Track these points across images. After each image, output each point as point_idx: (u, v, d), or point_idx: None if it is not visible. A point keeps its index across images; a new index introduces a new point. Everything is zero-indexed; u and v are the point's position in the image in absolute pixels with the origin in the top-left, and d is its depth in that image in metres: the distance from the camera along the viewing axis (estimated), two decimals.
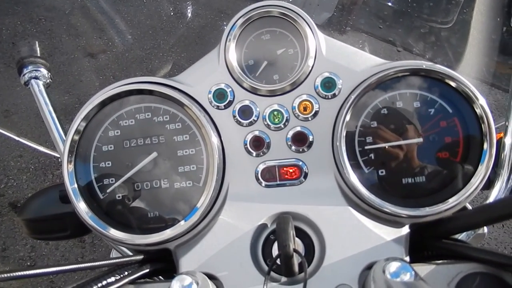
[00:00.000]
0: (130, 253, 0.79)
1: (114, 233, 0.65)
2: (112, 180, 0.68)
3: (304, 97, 0.71)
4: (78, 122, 0.68)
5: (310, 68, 0.71)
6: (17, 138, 1.00)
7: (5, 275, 0.44)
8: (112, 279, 0.55)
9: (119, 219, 0.68)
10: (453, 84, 0.66)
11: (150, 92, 0.69)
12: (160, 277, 0.69)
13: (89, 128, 0.70)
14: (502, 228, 2.56)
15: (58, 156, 0.86)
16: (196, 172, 0.68)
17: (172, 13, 3.48)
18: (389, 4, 1.30)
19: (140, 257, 0.63)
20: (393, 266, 0.49)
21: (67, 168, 0.67)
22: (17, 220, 2.41)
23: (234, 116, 0.71)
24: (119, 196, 0.68)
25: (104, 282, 0.54)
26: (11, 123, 2.87)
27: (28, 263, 2.35)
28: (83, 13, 3.50)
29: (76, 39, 3.38)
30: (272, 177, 0.70)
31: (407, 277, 0.48)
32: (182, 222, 0.65)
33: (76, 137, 0.69)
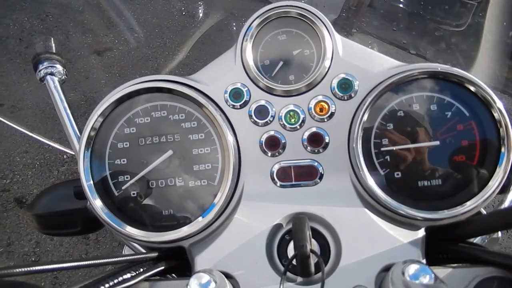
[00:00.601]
0: (143, 250, 0.79)
1: (130, 230, 0.65)
2: (127, 177, 0.69)
3: (320, 98, 0.71)
4: (94, 118, 0.68)
5: (326, 69, 0.71)
6: (30, 134, 1.00)
7: (21, 269, 0.44)
8: (128, 275, 0.55)
9: (133, 216, 0.68)
10: (471, 87, 0.66)
11: (168, 91, 0.69)
12: (173, 275, 0.69)
13: (105, 125, 0.70)
14: (507, 234, 2.55)
15: (72, 152, 0.86)
16: (211, 171, 0.68)
17: (179, 12, 3.49)
18: (401, 6, 1.30)
19: (155, 254, 0.63)
20: (412, 268, 0.49)
21: (83, 165, 0.67)
22: (26, 215, 2.41)
23: (250, 116, 0.71)
24: (133, 193, 0.68)
25: (120, 278, 0.54)
26: (18, 119, 2.88)
27: (33, 259, 2.35)
28: (90, 11, 3.51)
29: (82, 36, 3.39)
30: (287, 177, 0.70)
31: (426, 279, 0.47)
32: (200, 219, 0.65)
33: (92, 134, 0.69)
